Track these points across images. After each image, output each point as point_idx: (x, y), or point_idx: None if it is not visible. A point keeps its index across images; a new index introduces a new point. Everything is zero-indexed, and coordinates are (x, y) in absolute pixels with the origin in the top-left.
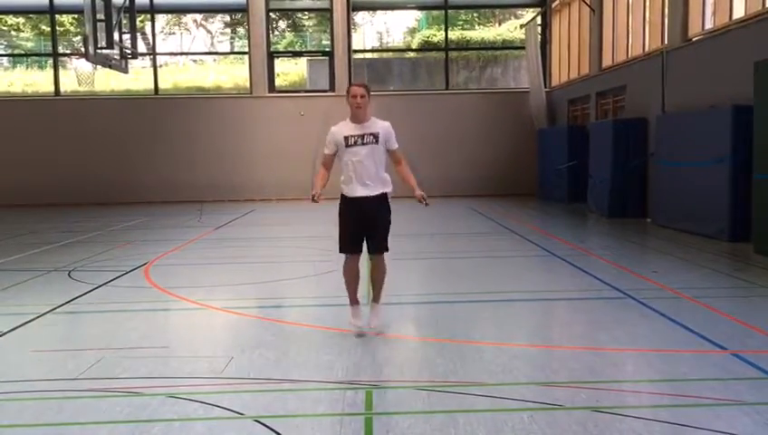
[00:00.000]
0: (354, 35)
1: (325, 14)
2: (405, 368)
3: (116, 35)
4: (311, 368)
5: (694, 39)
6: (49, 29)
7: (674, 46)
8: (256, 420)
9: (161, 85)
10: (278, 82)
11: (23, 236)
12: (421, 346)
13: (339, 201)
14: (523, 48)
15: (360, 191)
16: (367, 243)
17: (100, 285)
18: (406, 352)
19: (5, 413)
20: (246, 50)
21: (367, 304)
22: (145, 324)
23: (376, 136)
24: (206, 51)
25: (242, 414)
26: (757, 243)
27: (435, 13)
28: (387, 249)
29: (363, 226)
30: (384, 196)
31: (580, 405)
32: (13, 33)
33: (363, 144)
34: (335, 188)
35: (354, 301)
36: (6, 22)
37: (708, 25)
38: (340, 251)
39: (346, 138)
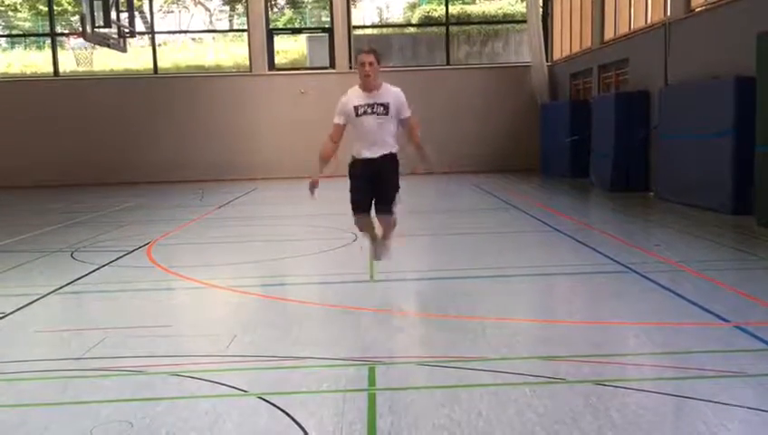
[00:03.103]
0: (354, 11)
1: None
2: (408, 344)
3: (113, 14)
4: (314, 345)
5: (697, 10)
6: (46, 8)
7: (677, 18)
8: (260, 398)
9: (160, 64)
10: (278, 59)
11: (25, 217)
12: (423, 322)
13: (349, 163)
14: (524, 22)
15: (368, 154)
16: (375, 203)
17: (103, 265)
18: (408, 328)
19: (10, 393)
20: (245, 27)
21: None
22: (148, 304)
23: (386, 106)
24: (205, 29)
25: (246, 392)
26: (760, 215)
27: None
28: (392, 211)
29: (372, 186)
30: (393, 155)
31: (583, 379)
32: (10, 13)
33: (373, 113)
34: (338, 169)
35: (373, 238)
36: (3, 2)
37: None
38: (352, 209)
39: (356, 107)
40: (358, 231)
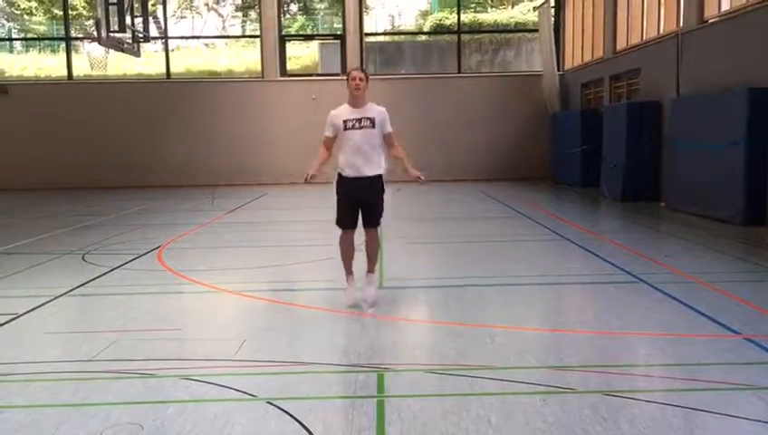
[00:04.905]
0: (366, 18)
1: None
2: (416, 351)
3: (128, 19)
4: (323, 351)
5: (710, 21)
6: (61, 13)
7: (689, 28)
8: (269, 403)
9: (173, 69)
10: (290, 65)
11: (38, 220)
12: (433, 330)
13: (336, 180)
14: (536, 31)
15: (355, 172)
16: (362, 218)
17: (114, 268)
18: (417, 335)
19: (22, 394)
20: (258, 33)
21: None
22: (159, 307)
23: (372, 120)
24: (218, 34)
25: (255, 396)
26: None
27: None
28: (378, 224)
29: (358, 203)
30: (378, 177)
31: (592, 389)
32: (26, 16)
33: (360, 127)
34: (326, 176)
35: (349, 271)
36: (19, 6)
37: (725, 7)
38: (337, 225)
39: (344, 121)
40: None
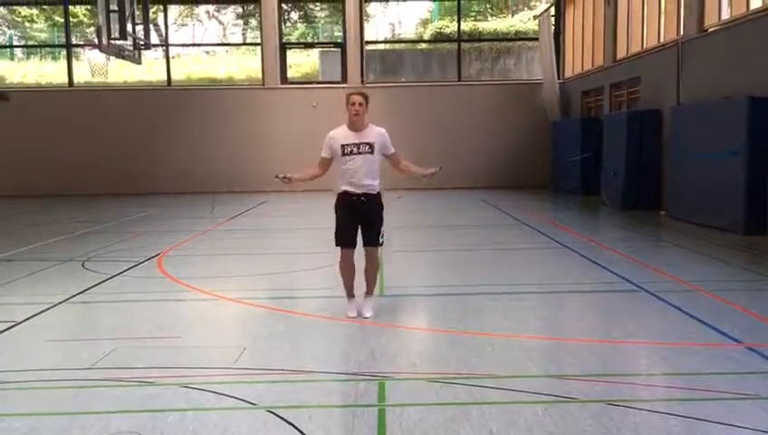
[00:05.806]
0: (366, 26)
1: (337, 5)
2: (417, 360)
3: (129, 26)
4: (324, 359)
5: (710, 30)
6: (62, 20)
7: (689, 37)
8: (269, 411)
9: (174, 76)
10: (290, 73)
11: (37, 227)
12: (433, 338)
13: (335, 199)
14: (536, 39)
15: (354, 189)
16: (362, 236)
17: (114, 276)
18: (418, 343)
19: (21, 401)
20: (259, 41)
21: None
22: (158, 315)
23: (371, 145)
24: (219, 42)
25: (255, 404)
26: None
27: (447, 3)
28: (379, 243)
29: (357, 221)
30: (377, 195)
31: (594, 398)
32: (26, 24)
33: (359, 153)
34: (327, 183)
35: (350, 295)
36: (20, 13)
37: (725, 16)
38: (336, 244)
39: (343, 146)
40: (343, 291)
